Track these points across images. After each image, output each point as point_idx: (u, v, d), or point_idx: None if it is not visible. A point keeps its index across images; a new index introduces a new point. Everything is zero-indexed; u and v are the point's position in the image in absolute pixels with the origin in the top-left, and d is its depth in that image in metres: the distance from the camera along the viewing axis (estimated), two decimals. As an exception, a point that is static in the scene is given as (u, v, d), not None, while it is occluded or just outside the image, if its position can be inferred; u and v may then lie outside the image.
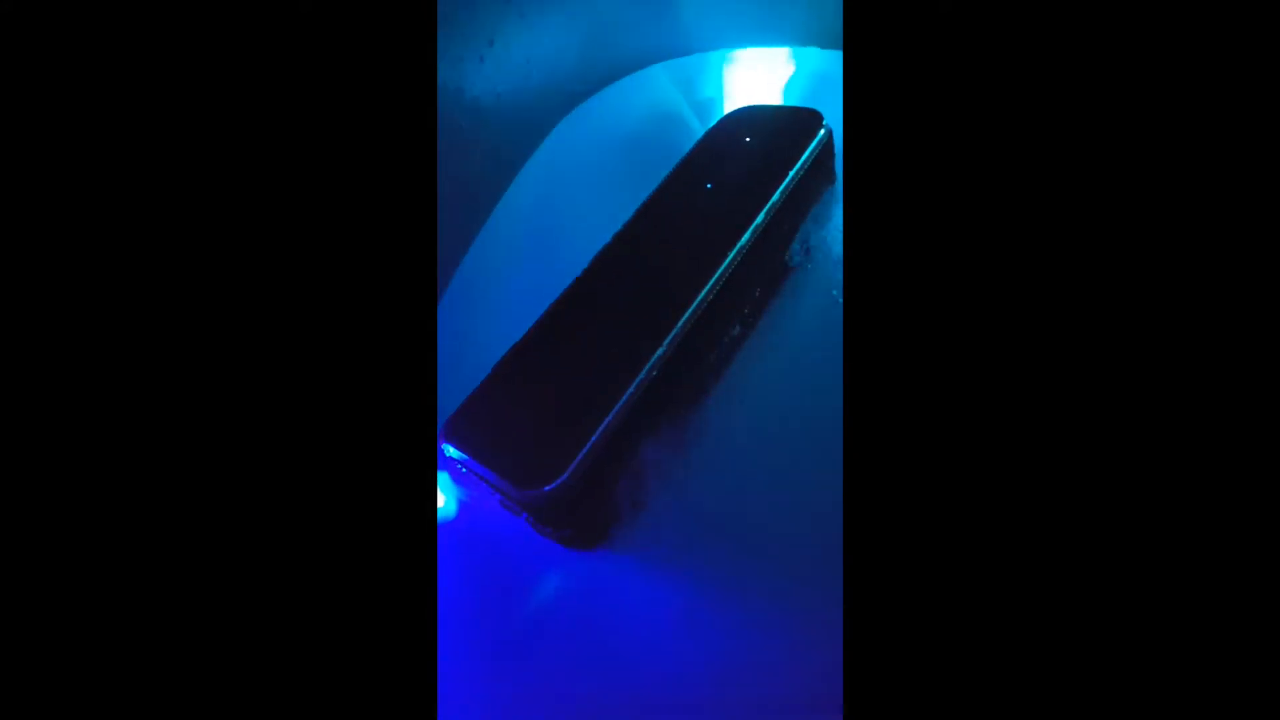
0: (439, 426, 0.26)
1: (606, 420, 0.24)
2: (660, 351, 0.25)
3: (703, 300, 0.26)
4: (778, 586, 0.24)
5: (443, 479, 0.28)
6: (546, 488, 0.23)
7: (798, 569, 0.24)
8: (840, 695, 0.14)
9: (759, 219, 0.27)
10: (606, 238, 0.29)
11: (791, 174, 0.29)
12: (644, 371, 0.25)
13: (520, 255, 0.32)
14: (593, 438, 0.23)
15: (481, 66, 0.30)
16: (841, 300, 0.28)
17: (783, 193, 0.28)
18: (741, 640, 0.24)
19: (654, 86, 0.37)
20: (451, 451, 0.25)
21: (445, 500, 0.28)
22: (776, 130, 0.31)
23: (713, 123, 0.33)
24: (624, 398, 0.24)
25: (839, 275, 0.29)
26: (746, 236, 0.27)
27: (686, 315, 0.26)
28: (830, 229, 0.32)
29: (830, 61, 0.38)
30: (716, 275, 0.26)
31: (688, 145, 0.32)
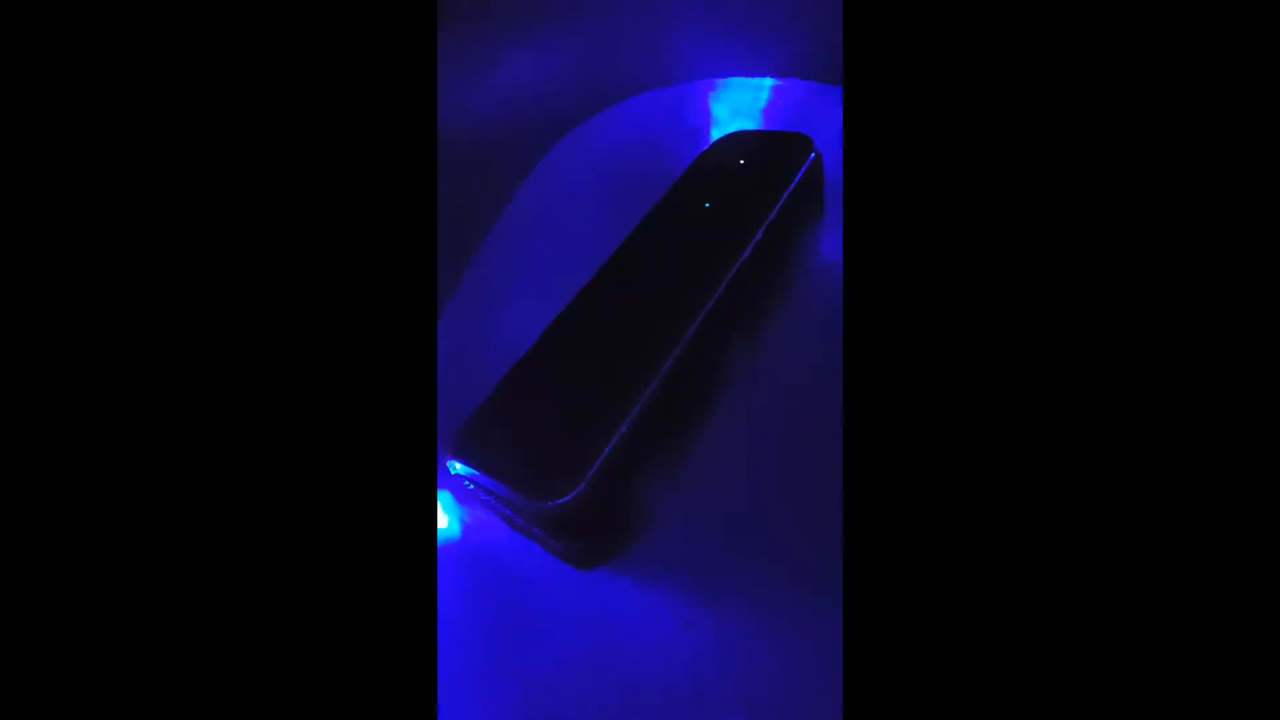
0: (445, 443, 0.25)
1: (619, 432, 0.24)
2: (667, 366, 0.25)
3: (707, 314, 0.26)
4: (787, 597, 0.24)
5: (446, 498, 0.28)
6: (562, 500, 0.23)
7: (807, 579, 0.24)
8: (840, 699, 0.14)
9: (758, 236, 0.28)
10: (604, 256, 0.30)
11: (786, 194, 0.30)
12: (653, 384, 0.25)
13: (519, 275, 0.32)
14: (606, 449, 0.23)
15: (484, 89, 0.30)
16: (842, 313, 0.29)
17: (779, 212, 0.29)
18: (752, 652, 0.24)
19: (645, 113, 0.38)
20: (459, 468, 0.25)
21: (449, 520, 0.28)
22: (768, 154, 0.32)
23: (704, 147, 0.34)
24: (634, 410, 0.24)
25: (835, 290, 0.30)
26: (748, 252, 0.28)
27: (691, 330, 0.26)
28: (821, 248, 0.33)
29: (810, 91, 0.39)
30: (720, 289, 0.27)
31: (679, 169, 0.33)
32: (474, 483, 0.25)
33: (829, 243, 0.33)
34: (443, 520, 0.28)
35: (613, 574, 0.26)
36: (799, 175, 0.31)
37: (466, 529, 0.28)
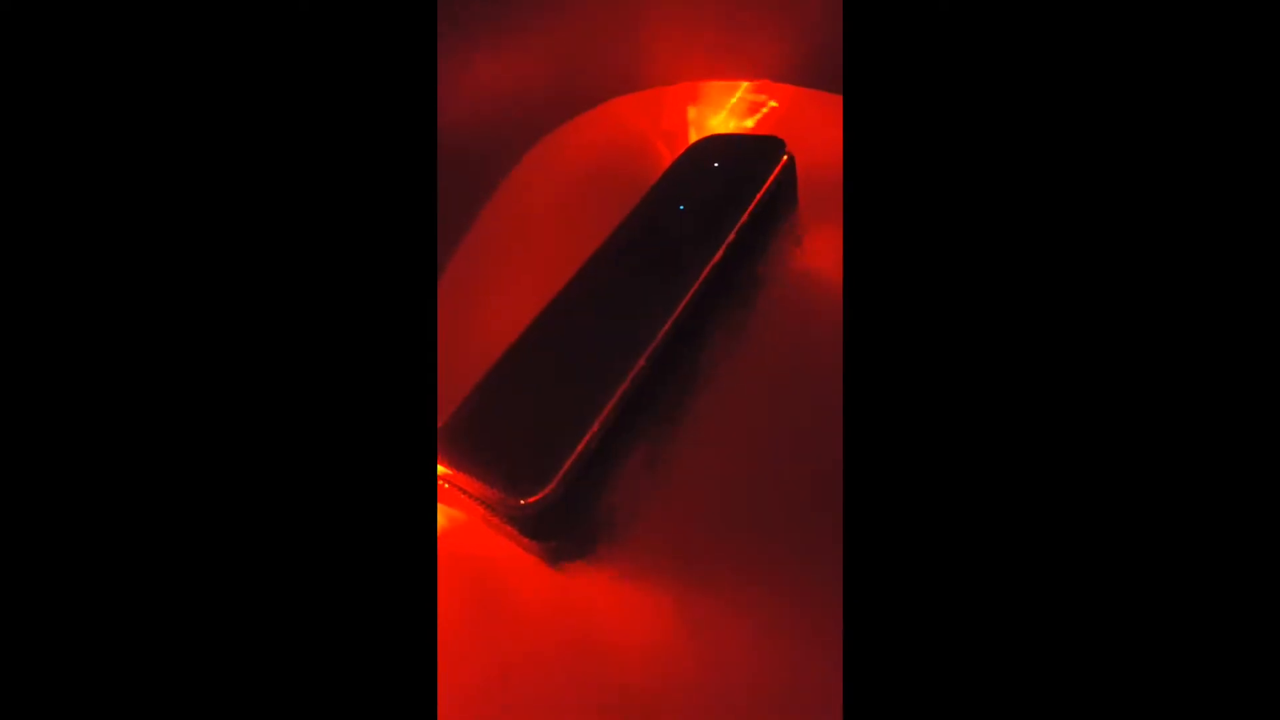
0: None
1: (590, 431, 0.24)
2: (640, 364, 0.26)
3: (680, 314, 0.27)
4: (769, 595, 0.24)
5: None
6: (534, 497, 0.23)
7: (784, 578, 0.25)
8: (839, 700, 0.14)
9: (730, 238, 0.29)
10: (580, 260, 0.30)
11: (758, 197, 0.30)
12: (624, 384, 0.25)
13: (495, 278, 0.33)
14: (579, 447, 0.24)
15: (455, 93, 0.30)
16: (815, 313, 0.29)
17: (752, 213, 0.30)
18: (732, 648, 0.24)
19: (621, 117, 0.38)
20: (437, 467, 0.25)
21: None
22: (742, 157, 0.33)
23: (681, 151, 0.34)
24: (606, 409, 0.25)
25: (808, 289, 0.30)
26: (720, 254, 0.28)
27: (665, 329, 0.26)
28: (795, 248, 0.33)
29: (784, 94, 0.40)
30: (693, 290, 0.27)
31: (656, 172, 0.34)
32: (450, 481, 0.25)
33: (801, 243, 0.33)
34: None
35: (590, 572, 0.26)
36: (771, 177, 0.31)
37: (443, 527, 0.28)
